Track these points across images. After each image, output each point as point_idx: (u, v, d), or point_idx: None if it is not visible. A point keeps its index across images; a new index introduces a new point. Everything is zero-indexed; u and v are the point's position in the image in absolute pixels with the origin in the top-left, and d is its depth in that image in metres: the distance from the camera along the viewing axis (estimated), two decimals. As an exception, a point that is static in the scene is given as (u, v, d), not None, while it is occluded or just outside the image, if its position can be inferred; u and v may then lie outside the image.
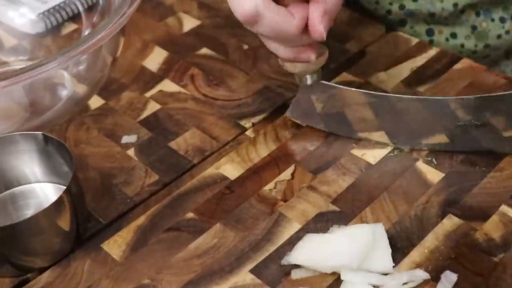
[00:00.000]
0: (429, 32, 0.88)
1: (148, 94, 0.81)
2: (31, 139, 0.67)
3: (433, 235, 0.63)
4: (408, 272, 0.59)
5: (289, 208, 0.66)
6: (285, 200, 0.67)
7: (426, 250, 0.61)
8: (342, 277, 0.58)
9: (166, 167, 0.72)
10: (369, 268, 0.59)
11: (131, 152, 0.74)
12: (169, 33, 0.91)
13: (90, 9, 0.90)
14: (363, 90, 0.70)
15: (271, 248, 0.63)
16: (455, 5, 0.84)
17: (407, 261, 0.61)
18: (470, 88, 0.78)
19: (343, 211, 0.65)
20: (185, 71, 0.84)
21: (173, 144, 0.74)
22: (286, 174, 0.70)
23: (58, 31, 0.90)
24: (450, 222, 0.64)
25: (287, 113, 0.74)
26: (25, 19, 0.89)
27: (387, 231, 0.62)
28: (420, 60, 0.82)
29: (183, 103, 0.79)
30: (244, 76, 0.82)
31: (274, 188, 0.68)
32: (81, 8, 0.90)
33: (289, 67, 0.69)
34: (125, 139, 0.75)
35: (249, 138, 0.74)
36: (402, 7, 0.86)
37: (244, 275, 0.61)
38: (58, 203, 0.62)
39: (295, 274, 0.60)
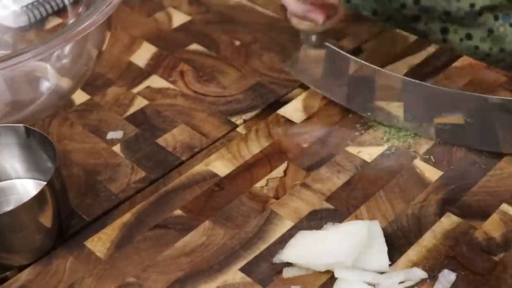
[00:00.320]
0: (444, 31, 0.88)
1: (135, 90, 0.81)
2: (12, 132, 0.67)
3: (431, 233, 0.63)
4: (404, 271, 0.59)
5: (281, 206, 0.66)
6: (277, 198, 0.67)
7: (423, 249, 0.62)
8: (336, 275, 0.58)
9: (153, 163, 0.72)
10: (364, 266, 0.59)
11: (116, 148, 0.74)
12: (158, 29, 0.91)
13: (76, 2, 0.90)
14: (375, 66, 0.72)
15: (262, 246, 0.63)
16: (472, 5, 0.84)
17: (403, 259, 0.61)
18: (470, 85, 0.78)
19: (338, 209, 0.66)
20: (174, 67, 0.84)
21: (160, 141, 0.74)
22: (278, 171, 0.70)
23: (42, 25, 0.91)
24: (449, 221, 0.64)
25: (284, 66, 0.76)
26: (8, 11, 0.89)
27: (383, 230, 0.62)
28: (418, 58, 0.83)
29: (172, 99, 0.80)
30: (236, 73, 0.83)
31: (266, 185, 0.68)
32: (67, 1, 0.90)
33: (296, 22, 0.69)
34: (111, 135, 0.75)
35: (240, 134, 0.74)
36: (417, 2, 0.87)
37: (234, 274, 0.61)
38: (39, 197, 0.61)
39: (287, 273, 0.60)
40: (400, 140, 0.72)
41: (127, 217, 0.67)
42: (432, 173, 0.68)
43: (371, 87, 0.72)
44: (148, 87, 0.81)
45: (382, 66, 0.81)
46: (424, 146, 0.71)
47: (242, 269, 0.61)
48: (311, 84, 0.74)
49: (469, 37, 0.87)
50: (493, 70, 0.80)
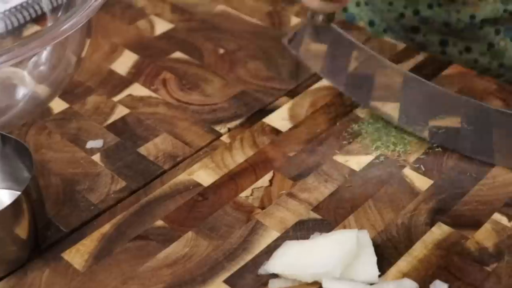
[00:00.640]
0: (443, 43, 0.89)
1: (116, 98, 0.80)
2: (-14, 140, 0.66)
3: (422, 243, 0.62)
4: (394, 282, 0.59)
5: (266, 216, 0.66)
6: (262, 208, 0.66)
7: (414, 260, 0.61)
8: (324, 286, 0.57)
9: (134, 173, 0.71)
10: (353, 277, 0.58)
11: (96, 157, 0.73)
12: (140, 36, 0.91)
13: (55, 9, 0.89)
14: (381, 58, 0.72)
15: (247, 257, 0.62)
16: (472, 17, 0.84)
17: (393, 270, 0.60)
18: (461, 93, 0.78)
19: (325, 219, 0.65)
20: (156, 75, 0.84)
21: (142, 150, 0.74)
22: (264, 181, 0.69)
23: (19, 33, 0.90)
24: (440, 230, 0.63)
25: (283, 40, 0.76)
26: (-16, 18, 0.89)
27: (372, 240, 0.62)
28: (406, 66, 0.82)
29: (154, 108, 0.79)
30: (220, 81, 0.82)
31: (251, 195, 0.68)
32: (46, 8, 0.89)
33: (308, 1, 0.69)
34: (90, 144, 0.74)
35: (224, 143, 0.74)
36: (416, 12, 0.87)
37: (218, 286, 0.60)
38: (14, 207, 0.60)
39: (273, 284, 0.59)
40: (389, 149, 0.71)
41: (106, 228, 0.66)
42: (422, 182, 0.68)
43: (370, 81, 0.72)
44: (129, 95, 0.81)
45: (370, 74, 0.81)
46: (413, 155, 0.71)
47: (226, 281, 0.60)
48: (310, 64, 0.74)
49: (468, 50, 0.88)
50: (483, 78, 0.80)
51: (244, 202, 0.67)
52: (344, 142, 0.73)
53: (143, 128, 0.76)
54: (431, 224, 0.64)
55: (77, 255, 0.63)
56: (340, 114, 0.76)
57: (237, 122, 0.76)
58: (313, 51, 0.74)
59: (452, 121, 0.69)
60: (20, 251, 0.63)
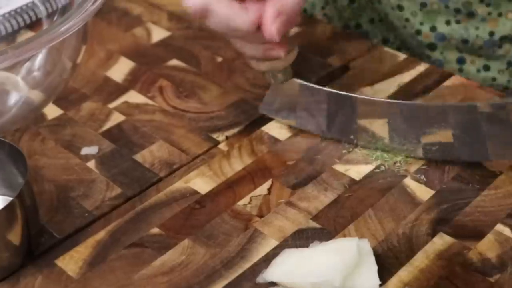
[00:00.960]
0: (460, 61, 0.89)
1: (112, 105, 0.81)
2: (-21, 144, 0.66)
3: (423, 254, 0.62)
4: (396, 292, 0.59)
5: (265, 224, 0.66)
6: (261, 216, 0.66)
7: (415, 270, 0.61)
8: (324, 294, 0.57)
9: (129, 180, 0.71)
10: (353, 286, 0.58)
11: (91, 164, 0.73)
12: (136, 44, 0.91)
13: (50, 16, 0.90)
14: (343, 92, 0.72)
15: (245, 265, 0.62)
16: (491, 34, 0.85)
17: (394, 280, 0.60)
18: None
19: (325, 228, 0.65)
20: (152, 83, 0.84)
21: (138, 157, 0.74)
22: (262, 189, 0.69)
23: (13, 39, 0.90)
24: (442, 241, 0.64)
25: (260, 109, 0.76)
26: (-24, 23, 0.89)
27: (373, 250, 0.62)
28: (408, 76, 0.83)
29: (150, 115, 0.79)
30: (218, 89, 0.83)
31: (249, 203, 0.68)
32: (41, 14, 0.89)
33: (256, 66, 0.70)
34: (85, 150, 0.74)
35: (222, 151, 0.74)
36: (433, 29, 0.87)
37: (215, 294, 0.60)
38: (7, 212, 0.60)
39: (272, 293, 0.59)
40: (390, 159, 0.72)
41: (101, 235, 0.65)
42: (423, 192, 0.68)
43: (350, 112, 0.72)
44: (125, 102, 0.81)
45: (370, 85, 0.82)
46: (414, 165, 0.71)
47: (223, 289, 0.60)
48: (289, 121, 0.74)
49: (487, 68, 0.88)
50: (485, 88, 0.81)
51: (242, 211, 0.67)
52: (344, 151, 0.73)
53: (139, 135, 0.76)
54: (433, 234, 0.64)
55: (71, 262, 0.63)
56: (340, 123, 0.76)
57: (235, 130, 0.76)
58: (287, 108, 0.74)
59: (444, 136, 0.69)
60: (13, 257, 0.62)
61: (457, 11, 0.85)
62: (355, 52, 0.87)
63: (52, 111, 0.80)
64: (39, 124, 0.78)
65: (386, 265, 0.61)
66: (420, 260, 0.62)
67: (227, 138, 0.76)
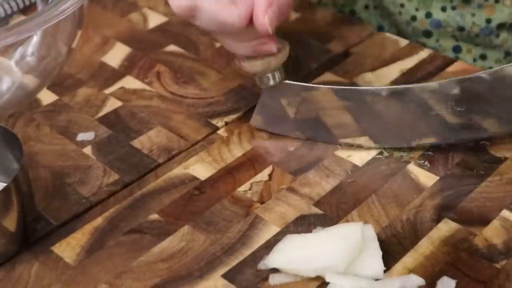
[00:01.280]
0: (456, 49, 0.88)
1: (108, 91, 0.80)
2: (-26, 128, 0.66)
3: (428, 240, 0.62)
4: (400, 278, 0.58)
5: (266, 210, 0.65)
6: (262, 202, 0.66)
7: (420, 256, 0.61)
8: (327, 279, 0.57)
9: (127, 166, 0.71)
10: (357, 272, 0.58)
11: (87, 150, 0.72)
12: (132, 29, 0.90)
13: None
14: (333, 86, 0.70)
15: (246, 252, 0.62)
16: (488, 21, 0.84)
17: (399, 267, 0.60)
18: (465, 91, 0.78)
19: (327, 214, 0.65)
20: (150, 68, 0.83)
21: (135, 143, 0.73)
22: (263, 175, 0.69)
23: (6, 23, 0.89)
24: (447, 227, 0.63)
25: (251, 122, 0.74)
26: (-32, 7, 0.88)
27: (376, 236, 0.61)
28: (410, 62, 0.83)
29: (148, 101, 0.79)
30: (217, 75, 0.82)
31: (250, 189, 0.68)
32: (38, -1, 0.89)
33: (247, 67, 0.68)
34: (81, 136, 0.74)
35: (221, 137, 0.73)
36: (428, 15, 0.86)
37: (216, 281, 0.59)
38: (3, 197, 0.60)
39: (273, 280, 0.59)
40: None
41: (98, 221, 0.65)
42: (427, 178, 0.68)
43: (326, 127, 0.71)
44: (121, 88, 0.80)
45: (371, 71, 0.81)
46: (418, 151, 0.71)
47: (224, 276, 0.60)
48: (290, 132, 0.73)
49: (483, 57, 0.88)
50: (489, 74, 0.80)
51: (242, 197, 0.67)
52: (346, 137, 0.73)
53: (137, 121, 0.76)
54: (438, 220, 0.64)
55: (67, 249, 0.63)
56: (342, 109, 0.76)
57: (234, 116, 0.76)
58: (278, 119, 0.73)
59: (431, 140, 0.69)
60: (9, 244, 0.62)
61: None
62: (356, 38, 0.87)
63: (47, 97, 0.79)
64: (34, 110, 0.78)
65: (390, 251, 0.61)
66: (425, 246, 0.62)
67: (226, 124, 0.75)
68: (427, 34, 0.89)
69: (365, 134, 0.70)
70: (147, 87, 0.80)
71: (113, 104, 0.78)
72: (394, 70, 0.82)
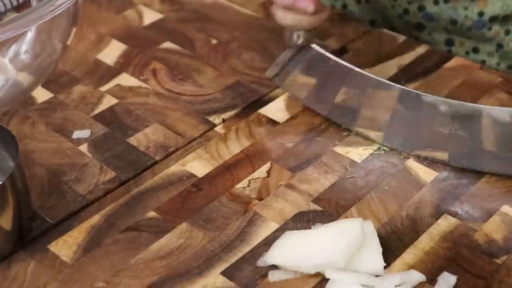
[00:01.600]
0: (449, 42, 0.88)
1: (104, 88, 0.80)
2: (-31, 126, 0.65)
3: (428, 235, 0.62)
4: (401, 274, 0.58)
5: (265, 207, 0.65)
6: (260, 199, 0.66)
7: (420, 252, 0.61)
8: (327, 276, 0.57)
9: (124, 164, 0.70)
10: (357, 268, 0.58)
11: (83, 148, 0.72)
12: (128, 26, 0.90)
13: (38, -3, 0.88)
14: (368, 74, 0.70)
15: (245, 248, 0.61)
16: (481, 14, 0.84)
17: (399, 263, 0.60)
18: (464, 86, 0.78)
19: (326, 211, 0.65)
20: (146, 65, 0.83)
21: (132, 140, 0.73)
22: (261, 172, 0.69)
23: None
24: (446, 223, 0.63)
25: (267, 73, 0.74)
26: (-37, 4, 0.88)
27: (376, 232, 0.61)
28: (408, 58, 0.83)
29: (144, 98, 0.78)
30: (213, 71, 0.82)
31: (248, 186, 0.67)
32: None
33: (281, 17, 0.68)
34: (77, 134, 0.74)
35: (219, 134, 0.73)
36: (421, 8, 0.86)
37: (215, 278, 0.59)
38: (-1, 193, 0.60)
39: (273, 276, 0.59)
40: (391, 141, 0.71)
41: (95, 219, 0.65)
42: (426, 174, 0.68)
43: (354, 105, 0.71)
44: (117, 85, 0.80)
45: (369, 67, 0.81)
46: (417, 146, 0.71)
47: (223, 273, 0.60)
48: (295, 93, 0.73)
49: (476, 50, 0.87)
50: (488, 70, 0.80)
51: (240, 193, 0.67)
52: (344, 133, 0.73)
53: (133, 118, 0.76)
54: (437, 216, 0.64)
55: (64, 247, 0.62)
56: (340, 105, 0.76)
57: (232, 112, 0.76)
58: (297, 81, 0.73)
59: (438, 155, 0.69)
60: (4, 243, 0.62)
61: None
62: (353, 34, 0.87)
63: (42, 95, 0.79)
64: (29, 108, 0.77)
65: (390, 247, 0.61)
66: (425, 242, 0.62)
67: (223, 120, 0.75)
68: (420, 27, 0.89)
69: (381, 131, 0.70)
70: (143, 84, 0.80)
71: (109, 101, 0.78)
72: (392, 66, 0.81)
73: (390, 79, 0.79)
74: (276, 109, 0.76)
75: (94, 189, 0.68)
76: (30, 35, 0.75)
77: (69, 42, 0.76)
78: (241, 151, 0.71)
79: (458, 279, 0.58)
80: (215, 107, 0.77)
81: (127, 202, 0.66)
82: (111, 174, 0.69)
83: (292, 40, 0.70)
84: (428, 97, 0.67)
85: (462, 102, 0.66)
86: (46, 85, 0.79)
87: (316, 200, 0.66)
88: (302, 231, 0.61)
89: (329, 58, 0.71)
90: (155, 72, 0.82)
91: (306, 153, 0.71)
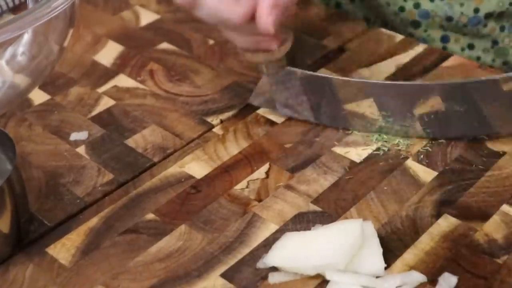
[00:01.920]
0: (444, 39, 0.88)
1: (101, 90, 0.79)
2: (-35, 128, 0.65)
3: (428, 236, 0.62)
4: (402, 274, 0.58)
5: (264, 208, 0.65)
6: (259, 200, 0.66)
7: (421, 252, 0.60)
8: (327, 277, 0.56)
9: (122, 165, 0.70)
10: (358, 270, 0.58)
11: (81, 150, 0.72)
12: (125, 27, 0.90)
13: (35, -1, 0.88)
14: (342, 78, 0.71)
15: (245, 250, 0.61)
16: (476, 11, 0.84)
17: (399, 263, 0.60)
18: (462, 85, 0.78)
19: (326, 212, 0.64)
20: (143, 66, 0.83)
21: (130, 142, 0.73)
22: (260, 173, 0.68)
23: (-4, 23, 0.88)
24: (447, 222, 0.63)
25: (250, 100, 0.75)
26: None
27: (376, 232, 0.61)
28: (406, 57, 0.82)
29: (141, 99, 0.78)
30: (210, 72, 0.82)
31: (247, 187, 0.67)
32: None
33: (250, 56, 0.68)
34: (74, 136, 0.73)
35: (217, 135, 0.73)
36: (417, 5, 0.86)
37: (214, 280, 0.59)
38: (-3, 197, 0.59)
39: (273, 278, 0.58)
40: (390, 140, 0.71)
41: (94, 221, 0.64)
42: (426, 174, 0.68)
43: (337, 97, 0.71)
44: (114, 86, 0.80)
45: (367, 66, 0.81)
46: (416, 146, 0.70)
47: (223, 275, 0.59)
48: (278, 111, 0.73)
49: (471, 47, 0.87)
50: (486, 69, 0.80)
51: (239, 195, 0.66)
52: (343, 133, 0.72)
53: (130, 119, 0.75)
54: (437, 216, 0.63)
55: (62, 250, 0.62)
56: (338, 105, 0.75)
57: (229, 113, 0.75)
58: (278, 99, 0.73)
59: (435, 104, 0.69)
60: (2, 246, 0.61)
61: None
62: (351, 33, 0.87)
63: (38, 97, 0.78)
64: (26, 110, 0.77)
65: (390, 247, 0.61)
66: (425, 242, 0.61)
67: (221, 121, 0.75)
68: (415, 24, 0.89)
69: (370, 97, 0.70)
70: (140, 86, 0.80)
71: (106, 103, 0.77)
72: (390, 65, 0.81)
73: (388, 78, 0.79)
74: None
75: (92, 192, 0.67)
76: (26, 37, 0.74)
77: (66, 43, 0.76)
78: (240, 152, 0.71)
79: (458, 280, 0.58)
80: (213, 108, 0.76)
81: (126, 204, 0.66)
82: (109, 176, 0.69)
83: (267, 69, 0.70)
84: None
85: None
86: (43, 87, 0.79)
87: (315, 201, 0.65)
88: (301, 232, 0.61)
89: (307, 73, 0.71)
90: (152, 73, 0.82)
91: (305, 153, 0.70)
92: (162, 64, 0.83)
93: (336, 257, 0.57)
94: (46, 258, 0.61)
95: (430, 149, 0.70)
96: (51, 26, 0.73)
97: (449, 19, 0.86)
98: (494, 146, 0.70)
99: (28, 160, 0.71)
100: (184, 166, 0.69)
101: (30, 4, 0.88)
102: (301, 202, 0.65)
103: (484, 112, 0.68)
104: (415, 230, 0.62)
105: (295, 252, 0.58)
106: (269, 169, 0.69)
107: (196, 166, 0.69)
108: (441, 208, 0.64)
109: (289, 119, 0.74)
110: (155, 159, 0.70)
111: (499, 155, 0.69)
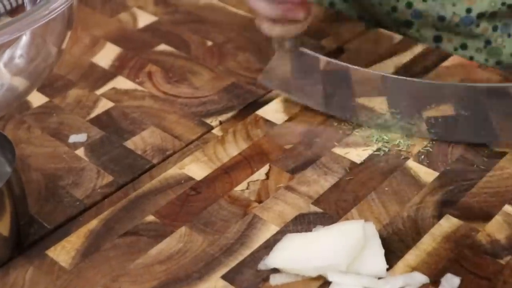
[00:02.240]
0: (437, 39, 0.88)
1: (99, 92, 0.79)
2: (-36, 131, 0.64)
3: (430, 236, 0.61)
4: (404, 275, 0.57)
5: (264, 210, 0.64)
6: (259, 201, 0.65)
7: (422, 253, 0.60)
8: (329, 279, 0.56)
9: (121, 167, 0.69)
10: (360, 271, 0.57)
11: (80, 152, 0.71)
12: (122, 29, 0.89)
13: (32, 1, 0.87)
14: (361, 69, 0.71)
15: (246, 252, 0.61)
16: (468, 11, 0.84)
17: (401, 264, 0.59)
18: (462, 85, 0.78)
19: (327, 213, 0.64)
20: (141, 68, 0.82)
21: (129, 144, 0.72)
22: (260, 174, 0.68)
23: (-6, 25, 0.88)
24: (448, 223, 0.62)
25: (259, 79, 0.75)
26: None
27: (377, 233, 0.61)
28: (405, 57, 0.82)
29: (140, 101, 0.77)
30: (209, 73, 0.81)
31: (247, 188, 0.66)
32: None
33: (267, 29, 0.68)
34: (73, 138, 0.73)
35: (216, 136, 0.72)
36: (409, 5, 0.86)
37: (215, 282, 0.58)
38: (-4, 200, 0.59)
39: (274, 280, 0.58)
40: (391, 141, 0.71)
41: (93, 224, 0.64)
42: (427, 174, 0.67)
43: (350, 88, 0.71)
44: (113, 88, 0.79)
45: (366, 67, 0.81)
46: (417, 146, 0.70)
47: (224, 277, 0.59)
48: (288, 93, 0.73)
49: (464, 47, 0.87)
50: (485, 69, 0.80)
51: (239, 196, 0.66)
52: (343, 133, 0.72)
53: (129, 121, 0.75)
54: (439, 216, 0.63)
55: (62, 252, 0.61)
56: (338, 106, 0.75)
57: (229, 114, 0.75)
58: (287, 80, 0.73)
59: (445, 109, 0.69)
60: (2, 249, 0.61)
61: None
62: (350, 34, 0.86)
63: (37, 99, 0.78)
64: (24, 112, 0.76)
65: (392, 248, 0.60)
66: (427, 243, 0.61)
67: (220, 123, 0.74)
68: (408, 24, 0.88)
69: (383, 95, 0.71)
70: (138, 87, 0.79)
71: (104, 105, 0.77)
72: (390, 66, 0.81)
73: (387, 78, 0.79)
74: (273, 111, 0.75)
75: (91, 194, 0.67)
76: (24, 39, 0.74)
77: (64, 46, 0.75)
78: (239, 153, 0.70)
79: (461, 280, 0.58)
80: (212, 109, 0.76)
81: (125, 206, 0.65)
82: (108, 178, 0.68)
83: (282, 48, 0.70)
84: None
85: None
86: (42, 89, 0.78)
87: (316, 202, 0.65)
88: (303, 233, 0.60)
89: (320, 59, 0.71)
90: (150, 74, 0.81)
91: (305, 154, 0.70)
92: (160, 66, 0.82)
93: (337, 258, 0.56)
94: (46, 261, 0.61)
95: (430, 150, 0.70)
96: (49, 28, 0.73)
97: (441, 19, 0.86)
98: (495, 146, 0.69)
99: (27, 162, 0.70)
100: (184, 168, 0.69)
101: (28, 6, 0.88)
102: (301, 203, 0.65)
103: (491, 118, 0.68)
104: (416, 231, 0.62)
105: (297, 254, 0.58)
106: (269, 170, 0.68)
107: (196, 168, 0.69)
108: (442, 208, 0.64)
109: (289, 119, 0.74)
110: (155, 161, 0.70)
111: (501, 155, 0.69)
